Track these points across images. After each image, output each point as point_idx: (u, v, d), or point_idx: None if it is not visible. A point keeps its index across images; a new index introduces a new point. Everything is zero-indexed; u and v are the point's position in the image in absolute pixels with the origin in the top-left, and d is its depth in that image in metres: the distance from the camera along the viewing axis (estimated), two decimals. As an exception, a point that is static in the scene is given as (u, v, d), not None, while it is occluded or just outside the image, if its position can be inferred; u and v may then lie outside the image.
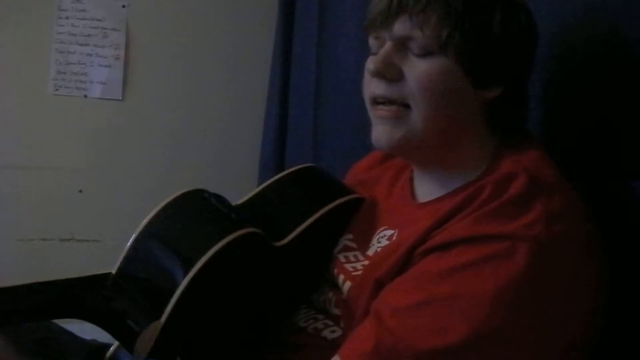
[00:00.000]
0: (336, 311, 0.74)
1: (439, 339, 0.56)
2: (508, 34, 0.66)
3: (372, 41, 0.72)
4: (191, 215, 0.70)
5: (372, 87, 0.71)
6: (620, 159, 0.71)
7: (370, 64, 0.69)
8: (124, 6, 1.83)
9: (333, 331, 0.73)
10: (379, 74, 0.68)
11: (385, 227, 0.77)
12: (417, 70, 0.67)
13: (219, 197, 0.74)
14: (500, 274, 0.56)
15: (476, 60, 0.66)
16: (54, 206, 1.81)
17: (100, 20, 1.81)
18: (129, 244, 0.67)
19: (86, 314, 0.64)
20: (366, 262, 0.75)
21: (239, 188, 1.94)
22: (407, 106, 0.68)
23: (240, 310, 0.73)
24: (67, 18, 1.79)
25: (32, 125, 1.79)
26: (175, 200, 0.70)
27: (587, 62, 0.77)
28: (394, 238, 0.73)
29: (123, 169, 1.87)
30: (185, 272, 0.62)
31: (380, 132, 0.71)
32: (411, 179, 0.80)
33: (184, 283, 0.61)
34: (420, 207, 0.74)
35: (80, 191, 1.83)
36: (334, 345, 0.70)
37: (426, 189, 0.76)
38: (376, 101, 0.71)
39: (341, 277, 0.75)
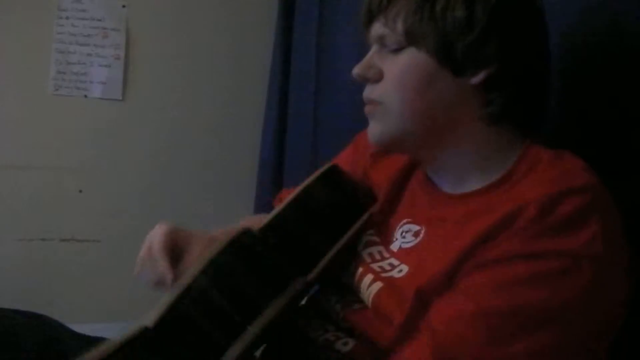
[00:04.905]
0: (352, 316, 0.72)
1: (497, 353, 0.56)
2: (474, 14, 0.65)
3: (368, 40, 0.74)
4: (239, 277, 0.66)
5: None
6: (620, 159, 0.71)
7: (355, 68, 0.72)
8: (124, 6, 1.84)
9: (346, 343, 0.71)
10: (360, 77, 0.71)
11: (408, 220, 0.75)
12: (391, 66, 0.69)
13: (265, 243, 0.70)
14: (562, 292, 0.56)
15: (447, 46, 0.65)
16: (54, 206, 1.82)
17: (100, 20, 1.81)
18: (168, 301, 0.62)
19: None
20: (393, 260, 0.72)
21: (239, 187, 1.96)
22: (380, 102, 0.70)
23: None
24: (67, 18, 1.79)
25: (32, 125, 1.79)
26: (220, 255, 0.66)
27: (588, 62, 0.77)
28: (422, 235, 0.71)
29: (123, 169, 1.87)
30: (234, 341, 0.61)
31: (368, 129, 0.73)
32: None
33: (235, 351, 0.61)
34: (447, 200, 0.71)
35: (80, 191, 1.83)
36: (349, 358, 0.69)
37: (445, 181, 0.73)
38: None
39: (369, 276, 0.72)
